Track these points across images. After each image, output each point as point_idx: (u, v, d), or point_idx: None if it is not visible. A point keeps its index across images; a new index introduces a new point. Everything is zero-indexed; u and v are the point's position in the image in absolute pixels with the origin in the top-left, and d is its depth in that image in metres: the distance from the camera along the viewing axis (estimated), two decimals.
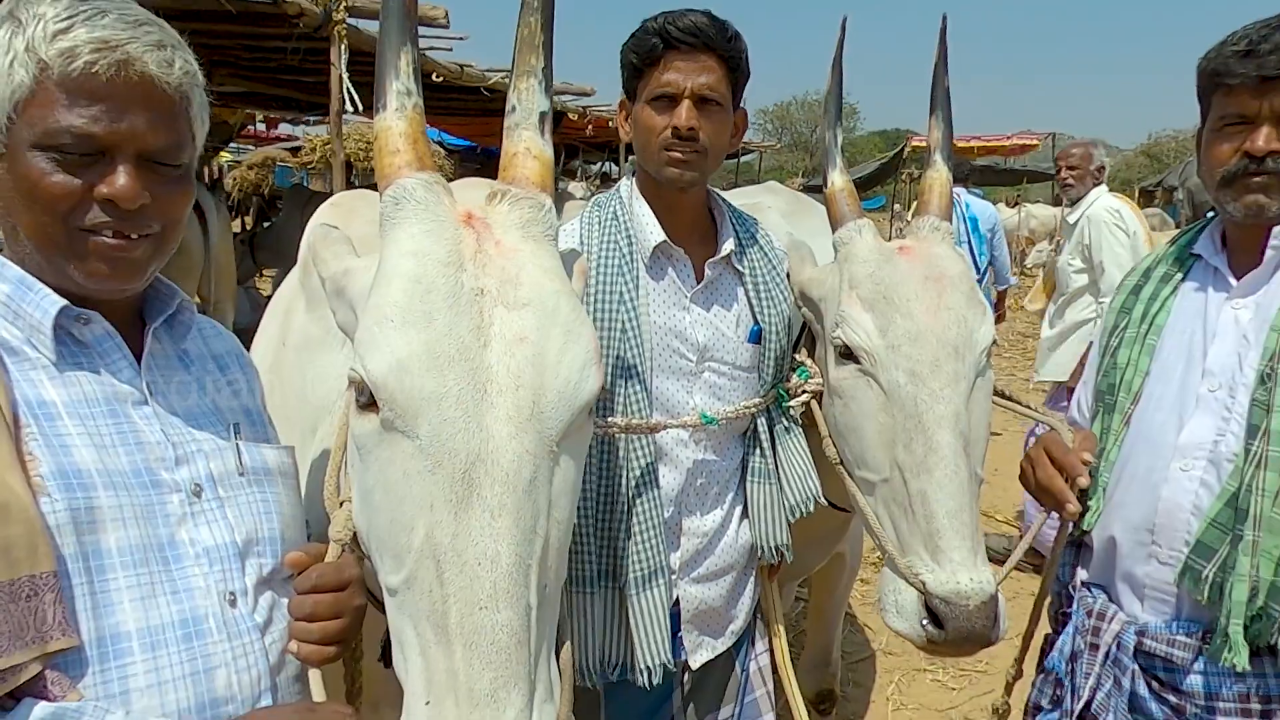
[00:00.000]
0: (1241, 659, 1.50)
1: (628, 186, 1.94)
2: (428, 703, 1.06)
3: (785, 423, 2.01)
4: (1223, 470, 1.59)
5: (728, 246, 1.92)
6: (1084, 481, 1.74)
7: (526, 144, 1.33)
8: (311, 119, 12.85)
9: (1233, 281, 1.69)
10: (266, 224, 11.12)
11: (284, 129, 17.17)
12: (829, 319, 1.87)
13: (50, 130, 1.10)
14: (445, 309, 1.14)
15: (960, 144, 19.74)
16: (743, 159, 22.52)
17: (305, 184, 14.20)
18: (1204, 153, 1.70)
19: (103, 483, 1.12)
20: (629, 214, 1.89)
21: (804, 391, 1.97)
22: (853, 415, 1.81)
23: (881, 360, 1.74)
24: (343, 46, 5.17)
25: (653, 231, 1.86)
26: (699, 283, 1.91)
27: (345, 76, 5.24)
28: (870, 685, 4.12)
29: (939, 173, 1.96)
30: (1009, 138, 19.83)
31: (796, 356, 2.04)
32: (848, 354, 1.81)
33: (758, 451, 1.98)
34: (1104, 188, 5.17)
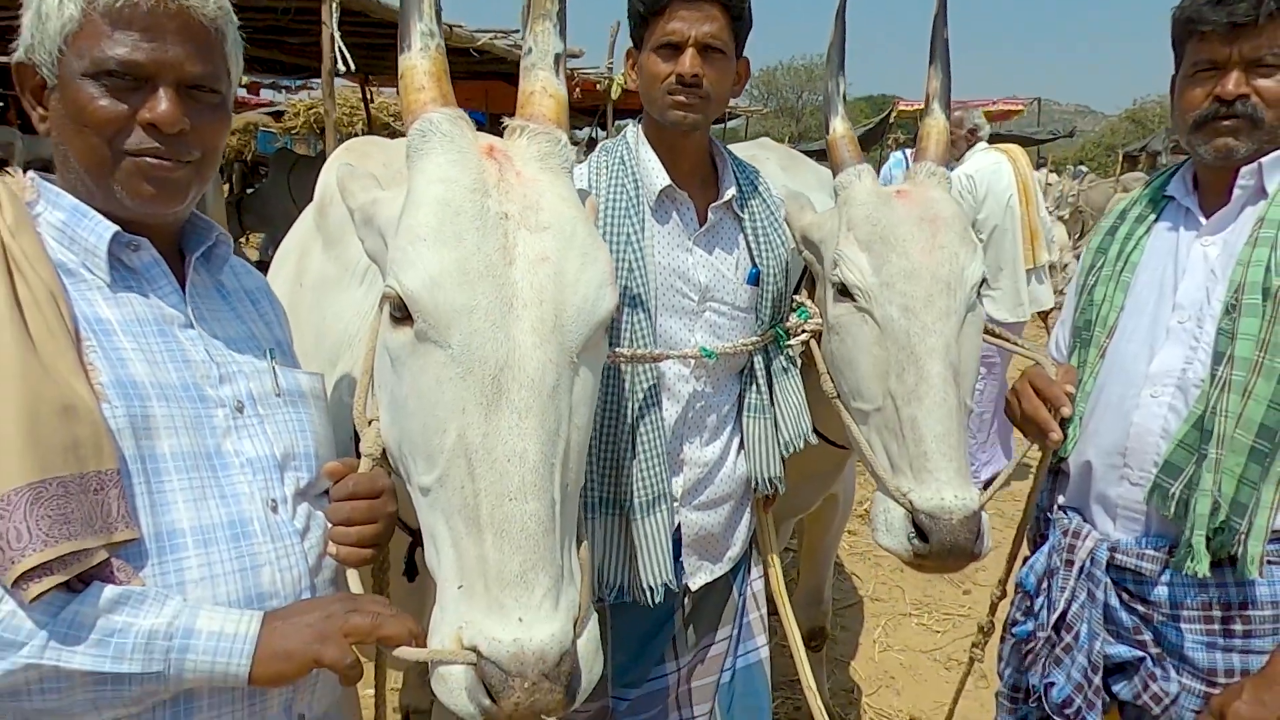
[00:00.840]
0: (1203, 566, 1.62)
1: (634, 133, 2.02)
2: (460, 586, 1.16)
3: (783, 362, 2.11)
4: (1190, 395, 1.70)
5: (729, 192, 2.01)
6: (1066, 411, 1.84)
7: (543, 83, 1.41)
8: (294, 83, 12.77)
9: (1203, 220, 1.79)
10: (250, 189, 11.09)
11: (266, 95, 17.02)
12: (828, 260, 1.97)
13: (97, 59, 1.18)
14: (473, 230, 1.23)
15: None
16: (729, 124, 22.47)
17: (290, 147, 14.13)
18: (1177, 98, 1.79)
19: (155, 394, 1.21)
20: (635, 159, 1.97)
21: (803, 331, 2.07)
22: (849, 349, 1.91)
23: (876, 296, 1.84)
24: (334, 5, 5.19)
25: (658, 176, 1.94)
26: (701, 226, 2.00)
27: (337, 36, 5.26)
28: (858, 629, 4.26)
29: (937, 120, 2.05)
30: (994, 103, 19.85)
31: (797, 298, 2.14)
32: (845, 292, 1.91)
33: (754, 388, 2.08)
34: (979, 146, 5.47)
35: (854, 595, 4.56)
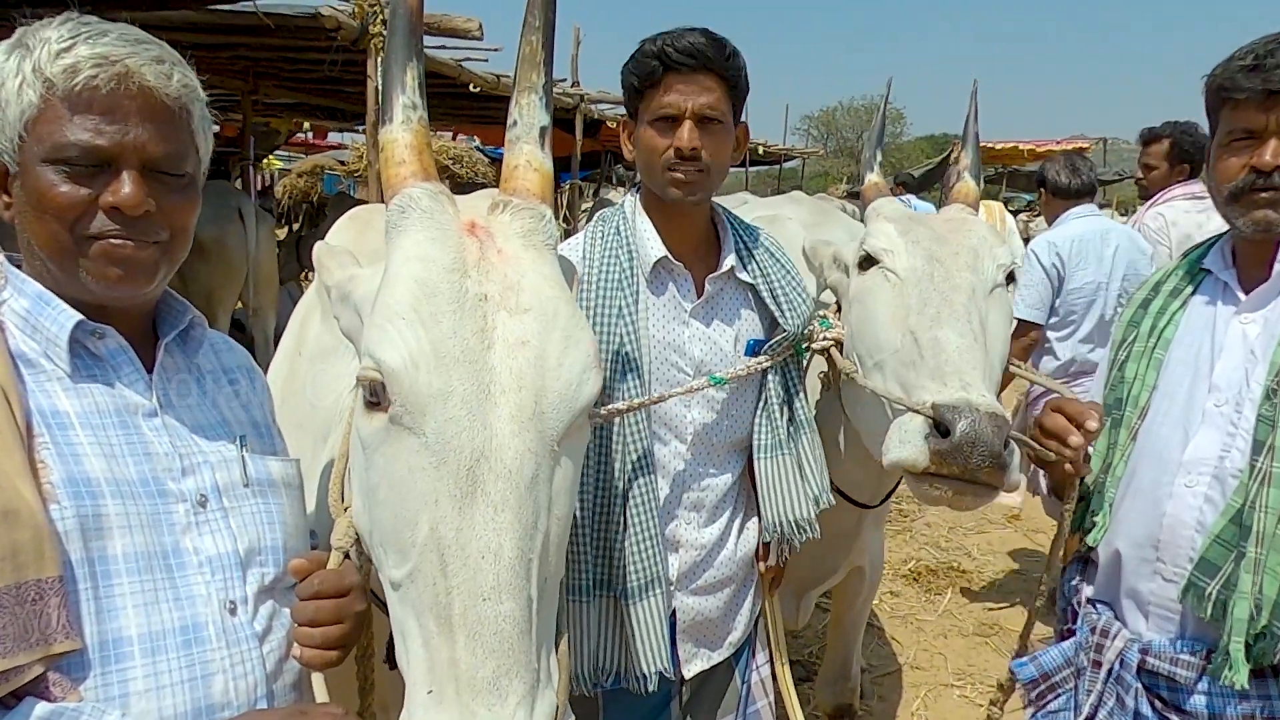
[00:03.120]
0: (1241, 677, 1.49)
1: (632, 203, 1.97)
2: (430, 691, 1.08)
3: (801, 419, 2.03)
4: (1227, 486, 1.57)
5: (729, 262, 1.95)
6: (1092, 425, 1.68)
7: (527, 157, 1.36)
8: (359, 127, 13.10)
9: (1241, 296, 1.67)
10: (314, 229, 11.33)
11: (334, 137, 17.44)
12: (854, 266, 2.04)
13: (58, 144, 1.15)
14: (450, 312, 1.17)
15: (1010, 148, 19.62)
16: (786, 165, 22.40)
17: (352, 192, 14.44)
18: (1212, 168, 1.69)
19: (110, 491, 1.16)
20: (631, 229, 1.92)
21: (825, 339, 2.05)
22: (869, 308, 1.92)
23: (901, 252, 1.89)
24: (379, 59, 5.28)
25: (654, 247, 1.89)
26: (699, 298, 1.93)
27: (381, 88, 5.35)
28: (896, 700, 4.08)
29: (967, 184, 2.20)
30: (1059, 142, 19.53)
31: (822, 310, 2.14)
32: (869, 264, 1.95)
33: (767, 429, 1.98)
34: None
35: (893, 663, 4.37)
